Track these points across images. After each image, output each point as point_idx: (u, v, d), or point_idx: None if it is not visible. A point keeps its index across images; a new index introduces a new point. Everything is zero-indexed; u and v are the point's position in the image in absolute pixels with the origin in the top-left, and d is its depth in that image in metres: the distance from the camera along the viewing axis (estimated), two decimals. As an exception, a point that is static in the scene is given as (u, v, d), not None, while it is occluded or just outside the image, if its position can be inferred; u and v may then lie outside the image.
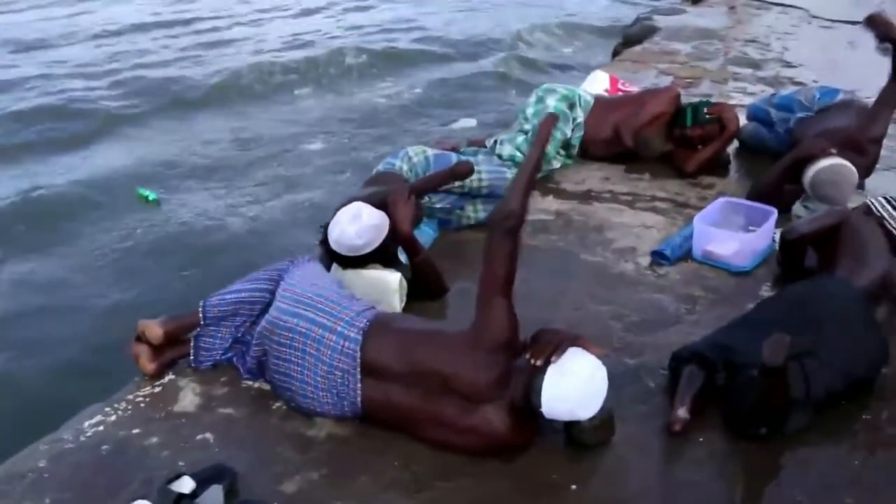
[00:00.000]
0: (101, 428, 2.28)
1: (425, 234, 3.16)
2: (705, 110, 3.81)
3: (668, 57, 5.94)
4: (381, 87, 7.52)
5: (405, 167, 3.20)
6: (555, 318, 2.66)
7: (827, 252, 2.59)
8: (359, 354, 2.15)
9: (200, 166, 5.86)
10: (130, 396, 2.41)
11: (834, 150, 3.21)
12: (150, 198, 5.23)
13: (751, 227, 3.15)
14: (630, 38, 7.09)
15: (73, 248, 4.76)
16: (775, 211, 3.09)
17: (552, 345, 2.03)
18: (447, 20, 10.24)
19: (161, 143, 6.34)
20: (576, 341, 2.06)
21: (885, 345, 2.28)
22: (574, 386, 1.98)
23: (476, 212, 3.32)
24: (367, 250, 2.65)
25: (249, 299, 2.48)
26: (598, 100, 3.98)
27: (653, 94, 3.99)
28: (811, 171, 3.19)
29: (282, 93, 7.54)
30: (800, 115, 3.82)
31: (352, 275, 2.73)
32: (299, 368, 2.21)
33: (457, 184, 3.18)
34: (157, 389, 2.44)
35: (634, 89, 4.43)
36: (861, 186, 3.34)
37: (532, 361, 2.01)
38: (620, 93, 4.38)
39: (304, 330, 2.21)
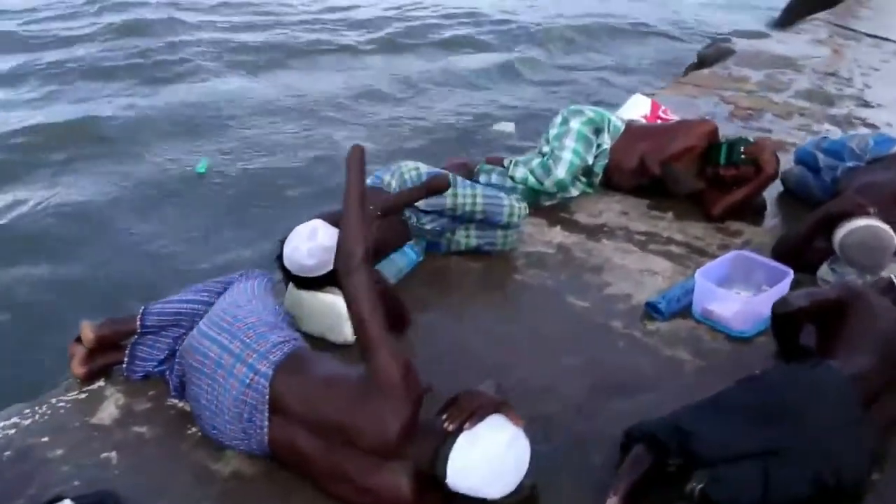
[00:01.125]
0: (12, 431, 2.20)
1: (406, 257, 2.97)
2: (742, 149, 3.48)
3: (734, 84, 5.55)
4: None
5: (394, 184, 3.01)
6: (516, 365, 2.46)
7: (828, 333, 2.27)
8: (268, 391, 1.98)
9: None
10: (54, 400, 2.33)
11: (873, 209, 2.85)
12: (201, 170, 5.20)
13: (764, 287, 2.83)
14: (704, 59, 6.70)
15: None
16: (791, 272, 2.76)
17: (470, 409, 1.82)
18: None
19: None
20: (499, 408, 1.84)
21: (868, 454, 1.95)
22: (485, 459, 1.77)
23: (468, 238, 3.10)
24: (320, 272, 2.48)
25: (189, 311, 2.35)
26: (629, 126, 3.70)
27: (686, 125, 3.68)
28: (842, 231, 2.85)
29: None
30: (849, 163, 3.45)
31: (307, 297, 2.57)
32: (209, 397, 2.06)
33: (448, 205, 2.98)
34: (81, 396, 2.34)
35: (675, 118, 4.10)
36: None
37: (446, 425, 1.80)
38: (659, 121, 4.06)
39: (215, 357, 2.05)
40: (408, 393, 1.85)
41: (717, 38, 7.16)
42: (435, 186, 2.81)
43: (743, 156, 3.47)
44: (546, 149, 3.58)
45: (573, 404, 2.33)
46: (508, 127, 5.47)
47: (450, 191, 2.98)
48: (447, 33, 8.88)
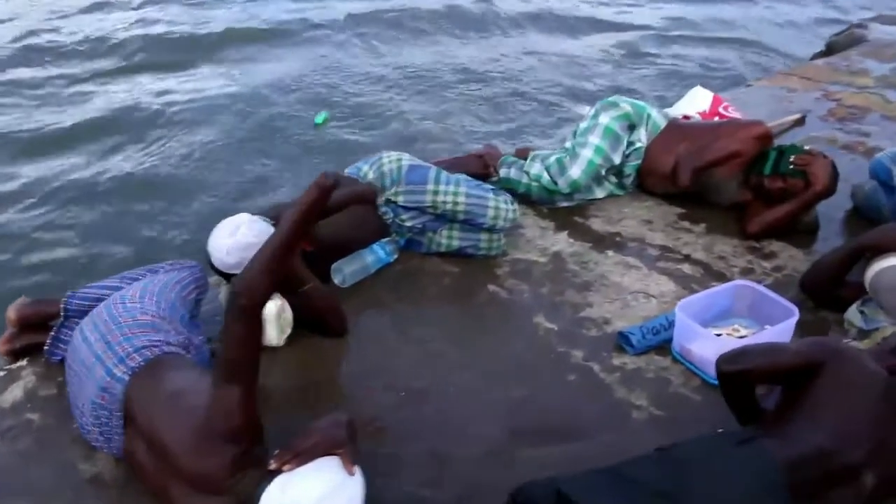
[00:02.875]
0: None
1: (374, 255, 2.76)
2: (791, 158, 2.99)
3: (850, 77, 4.85)
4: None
5: (371, 175, 2.81)
6: (438, 392, 2.23)
7: (792, 396, 1.86)
8: (122, 397, 1.85)
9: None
10: (-24, 373, 2.31)
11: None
12: (318, 121, 5.39)
13: (766, 327, 2.41)
14: (832, 47, 5.92)
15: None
16: (796, 313, 2.33)
17: (298, 449, 1.61)
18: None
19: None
20: (334, 450, 1.63)
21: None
22: (295, 506, 1.56)
23: (450, 239, 2.85)
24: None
25: (108, 297, 2.27)
26: (671, 124, 3.27)
27: (733, 126, 3.20)
28: (874, 269, 2.37)
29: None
30: (926, 184, 2.88)
31: (236, 292, 2.42)
32: (76, 395, 1.97)
33: (428, 202, 2.74)
34: (1, 373, 2.32)
35: (736, 116, 3.60)
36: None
37: (271, 463, 1.61)
38: (717, 118, 3.58)
39: (83, 355, 1.96)
40: (243, 438, 1.68)
41: (854, 24, 6.29)
42: (359, 197, 2.59)
43: (792, 166, 2.97)
44: (568, 144, 3.23)
45: (486, 447, 2.06)
46: (584, 110, 5.03)
47: (430, 187, 2.74)
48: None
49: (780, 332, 2.33)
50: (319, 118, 5.40)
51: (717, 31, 7.84)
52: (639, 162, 3.24)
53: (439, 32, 7.48)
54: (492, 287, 2.71)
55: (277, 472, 1.60)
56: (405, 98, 6.01)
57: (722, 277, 2.78)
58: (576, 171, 3.11)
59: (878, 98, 4.50)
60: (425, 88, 6.20)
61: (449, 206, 2.76)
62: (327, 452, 1.63)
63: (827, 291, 2.59)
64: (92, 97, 5.87)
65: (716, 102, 3.62)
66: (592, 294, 2.68)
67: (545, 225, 3.09)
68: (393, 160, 2.82)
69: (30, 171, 4.81)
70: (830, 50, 5.90)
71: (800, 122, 4.15)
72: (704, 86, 3.91)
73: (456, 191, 2.76)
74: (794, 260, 2.90)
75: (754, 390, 1.89)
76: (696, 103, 3.63)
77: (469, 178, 2.94)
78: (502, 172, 3.32)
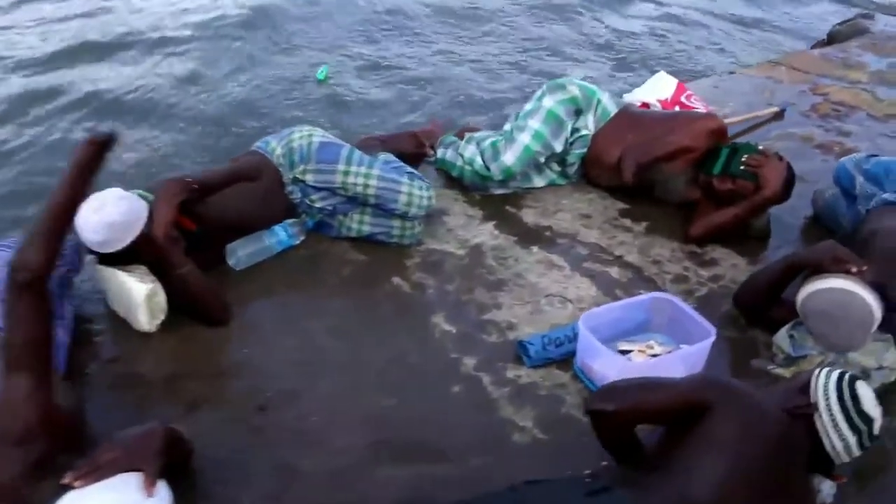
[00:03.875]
0: None
1: (275, 237, 2.55)
2: (743, 158, 2.73)
3: (842, 71, 4.55)
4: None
5: (279, 151, 2.58)
6: (298, 397, 2.04)
7: (672, 437, 1.64)
8: None
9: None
10: None
11: (859, 268, 2.10)
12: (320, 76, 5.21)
13: (682, 346, 2.19)
14: (834, 37, 5.58)
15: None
16: (713, 333, 2.10)
17: (99, 462, 1.42)
18: None
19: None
20: (136, 467, 1.44)
21: None
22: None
23: (361, 224, 2.63)
24: (109, 249, 2.12)
25: None
26: (624, 111, 3.01)
27: (686, 119, 2.94)
28: (805, 290, 2.13)
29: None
30: (886, 195, 2.62)
31: (107, 273, 2.23)
32: None
33: (338, 183, 2.53)
34: None
35: (698, 107, 3.33)
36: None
37: (64, 477, 1.43)
38: (679, 108, 3.32)
39: None
40: (35, 444, 1.48)
41: (860, 14, 5.93)
42: (239, 175, 2.41)
43: (743, 167, 2.72)
44: (509, 126, 2.99)
45: (344, 462, 1.86)
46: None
47: (341, 167, 2.52)
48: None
49: (695, 353, 2.11)
50: (321, 74, 5.20)
51: (730, 8, 7.43)
52: (584, 150, 2.99)
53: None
54: (396, 279, 2.50)
55: (65, 488, 1.41)
56: (417, 55, 5.73)
57: (651, 284, 2.55)
58: (510, 157, 2.86)
59: (869, 95, 4.21)
60: (442, 47, 5.89)
61: (360, 189, 2.53)
62: (129, 468, 1.43)
63: (759, 309, 2.35)
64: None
65: (679, 91, 3.36)
66: (503, 294, 2.46)
67: (472, 213, 2.86)
68: (304, 136, 2.59)
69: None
70: (831, 39, 5.57)
71: (778, 115, 3.88)
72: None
73: (368, 172, 2.53)
74: (735, 269, 2.66)
75: (632, 429, 1.67)
76: (657, 90, 3.37)
77: (390, 159, 2.72)
78: (439, 153, 3.09)
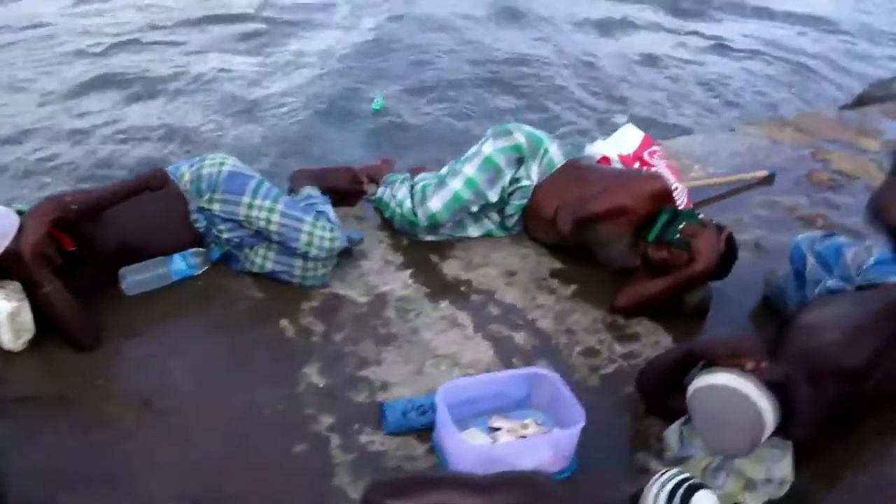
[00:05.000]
0: None
1: (171, 265, 2.47)
2: (681, 226, 2.54)
3: (854, 137, 4.26)
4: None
5: (188, 177, 2.51)
6: (134, 437, 1.94)
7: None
8: None
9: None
10: None
11: (756, 364, 1.89)
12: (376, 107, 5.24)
13: (555, 429, 2.01)
14: (864, 99, 5.29)
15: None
16: (581, 421, 1.92)
17: None
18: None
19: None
20: None
21: None
22: None
23: (265, 259, 2.53)
24: None
25: None
26: (570, 164, 2.84)
27: (629, 178, 2.76)
28: (693, 386, 1.93)
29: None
30: (831, 282, 2.40)
31: (-26, 286, 2.17)
32: None
33: (241, 215, 2.44)
34: None
35: (660, 166, 3.13)
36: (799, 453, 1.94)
37: None
38: (639, 165, 3.13)
39: None
40: None
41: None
42: (146, 182, 2.31)
43: (678, 236, 2.53)
44: (446, 169, 2.86)
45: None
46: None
47: (246, 199, 2.44)
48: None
49: (565, 438, 1.93)
50: (377, 104, 5.16)
51: (774, 51, 7.17)
52: (523, 202, 2.83)
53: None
54: (284, 322, 2.38)
55: None
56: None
57: (555, 355, 2.38)
58: (436, 204, 2.73)
59: (873, 165, 3.93)
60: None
61: (262, 224, 2.44)
62: None
63: (657, 397, 2.16)
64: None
65: (643, 146, 3.16)
66: (390, 350, 2.31)
67: (392, 259, 2.73)
68: (215, 164, 2.51)
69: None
70: (859, 101, 5.28)
71: (767, 180, 3.64)
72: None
73: (272, 207, 2.44)
74: (656, 348, 2.46)
75: None
76: (621, 144, 3.19)
77: (313, 194, 2.65)
78: (379, 191, 2.98)
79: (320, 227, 2.44)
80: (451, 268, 2.73)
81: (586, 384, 2.27)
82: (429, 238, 2.85)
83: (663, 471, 1.78)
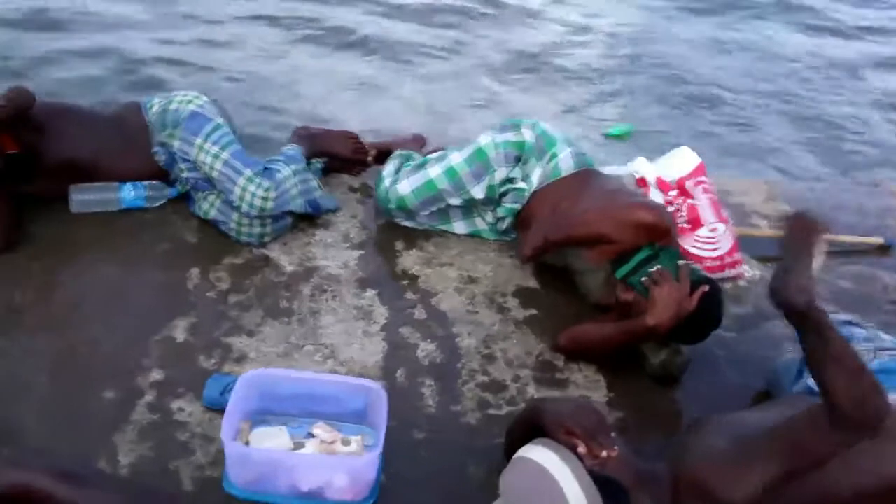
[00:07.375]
0: None
1: (119, 193, 2.48)
2: (651, 270, 2.10)
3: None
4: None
5: (156, 108, 2.49)
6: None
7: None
8: None
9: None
10: None
11: (594, 452, 1.51)
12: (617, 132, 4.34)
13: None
14: None
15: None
16: (378, 450, 1.64)
17: None
18: None
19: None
20: None
21: None
22: None
23: (211, 206, 2.46)
24: None
25: None
26: (581, 173, 2.46)
27: (620, 203, 2.31)
28: (516, 455, 1.58)
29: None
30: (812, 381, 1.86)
31: None
32: None
33: (192, 155, 2.40)
34: None
35: (701, 200, 2.61)
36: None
37: None
38: (676, 193, 2.64)
39: None
40: None
41: None
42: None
43: (643, 279, 2.10)
44: (435, 155, 2.60)
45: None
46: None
47: (198, 141, 2.41)
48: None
49: (362, 467, 1.67)
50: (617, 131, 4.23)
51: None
52: (516, 206, 2.50)
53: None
54: (193, 271, 2.29)
55: None
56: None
57: (448, 379, 2.07)
58: (405, 187, 2.49)
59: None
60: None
61: (207, 169, 2.37)
62: None
63: (506, 455, 1.79)
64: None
65: (693, 173, 2.66)
66: (275, 325, 2.14)
67: (353, 236, 2.53)
68: (184, 101, 2.47)
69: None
70: None
71: (882, 249, 2.96)
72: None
73: (217, 154, 2.35)
74: (587, 390, 2.06)
75: None
76: (668, 166, 2.71)
77: (290, 153, 2.53)
78: (389, 165, 2.77)
79: (255, 184, 2.30)
80: (409, 260, 2.47)
81: (460, 419, 1.94)
82: (406, 223, 2.61)
83: None
